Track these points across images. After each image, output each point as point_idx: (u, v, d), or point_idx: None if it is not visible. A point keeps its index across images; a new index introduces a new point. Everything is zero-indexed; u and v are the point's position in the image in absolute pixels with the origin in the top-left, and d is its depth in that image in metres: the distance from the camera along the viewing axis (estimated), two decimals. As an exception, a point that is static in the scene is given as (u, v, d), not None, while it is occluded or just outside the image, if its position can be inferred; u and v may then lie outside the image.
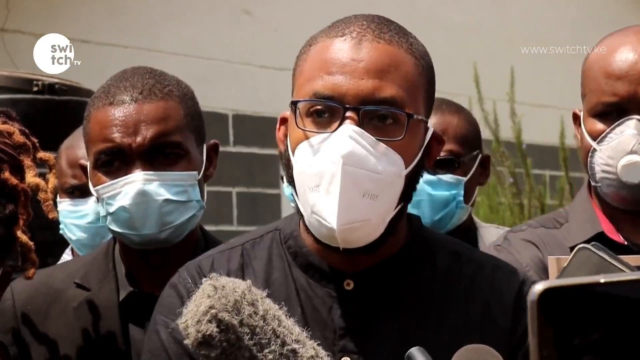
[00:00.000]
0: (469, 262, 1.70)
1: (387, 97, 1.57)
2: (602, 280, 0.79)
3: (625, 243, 2.09)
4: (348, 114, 1.55)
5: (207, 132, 2.15)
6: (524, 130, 6.40)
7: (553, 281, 0.80)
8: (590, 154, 2.07)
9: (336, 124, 1.56)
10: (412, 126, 1.58)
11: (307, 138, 1.58)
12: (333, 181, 1.53)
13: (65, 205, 2.57)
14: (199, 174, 2.05)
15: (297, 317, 1.61)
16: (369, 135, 1.55)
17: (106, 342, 2.03)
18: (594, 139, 2.06)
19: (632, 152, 2.01)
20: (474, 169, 2.69)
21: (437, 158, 2.57)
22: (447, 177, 2.61)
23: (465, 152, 2.65)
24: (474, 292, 1.66)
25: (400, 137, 1.57)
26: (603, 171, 2.05)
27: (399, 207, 1.61)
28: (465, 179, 2.65)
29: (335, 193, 1.53)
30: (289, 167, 1.62)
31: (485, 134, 6.39)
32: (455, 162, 2.63)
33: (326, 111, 1.58)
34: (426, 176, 2.55)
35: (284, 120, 1.68)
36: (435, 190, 2.59)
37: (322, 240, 1.59)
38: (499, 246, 2.16)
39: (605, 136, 2.04)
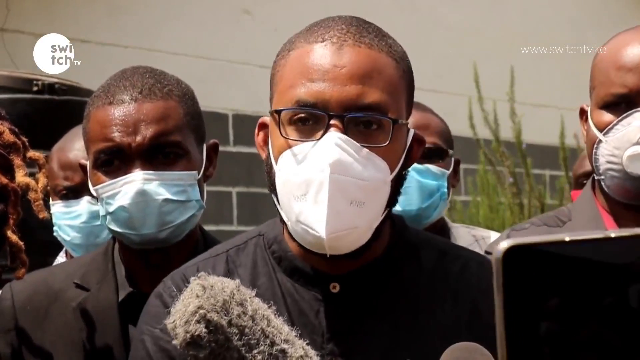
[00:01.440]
0: (455, 260, 1.69)
1: (371, 103, 1.55)
2: (567, 239, 0.80)
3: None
4: (333, 121, 1.54)
5: (207, 132, 2.15)
6: (524, 130, 6.41)
7: (518, 239, 0.80)
8: (595, 146, 2.07)
9: (320, 132, 1.54)
10: (396, 131, 1.57)
11: (290, 146, 1.56)
12: (321, 190, 1.52)
13: (58, 207, 2.56)
14: (198, 174, 2.05)
15: (284, 321, 1.60)
16: (355, 142, 1.54)
17: (105, 342, 2.02)
18: (601, 130, 2.06)
19: (638, 143, 2.01)
20: (451, 167, 2.75)
21: (425, 148, 2.63)
22: (434, 168, 2.66)
23: (445, 147, 2.72)
24: (462, 290, 1.66)
25: (386, 143, 1.56)
26: (608, 162, 2.05)
27: (385, 212, 1.60)
28: (448, 172, 2.71)
29: (323, 202, 1.51)
30: (270, 175, 1.61)
31: (485, 134, 6.41)
32: (442, 153, 2.69)
33: (310, 119, 1.56)
34: (415, 165, 2.60)
35: (263, 126, 1.66)
36: (424, 178, 2.65)
37: (308, 247, 1.58)
38: (499, 245, 2.16)
39: (611, 128, 2.04)
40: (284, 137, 1.57)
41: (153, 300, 1.69)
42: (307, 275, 1.64)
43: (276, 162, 1.59)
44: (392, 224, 1.70)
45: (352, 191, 1.53)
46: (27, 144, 1.89)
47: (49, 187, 2.60)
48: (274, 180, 1.59)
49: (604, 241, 0.80)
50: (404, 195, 2.59)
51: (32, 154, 1.91)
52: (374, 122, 1.56)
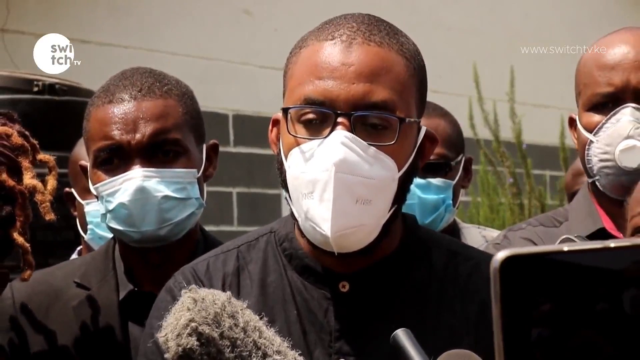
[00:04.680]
0: (466, 261, 1.69)
1: (378, 101, 1.56)
2: (565, 249, 0.80)
3: (627, 240, 2.09)
4: (339, 119, 1.54)
5: (207, 133, 2.15)
6: (524, 130, 6.41)
7: (516, 249, 0.81)
8: (587, 148, 2.07)
9: (328, 130, 1.55)
10: (404, 129, 1.58)
11: (299, 144, 1.57)
12: (326, 189, 1.52)
13: (94, 205, 2.54)
14: (198, 172, 2.06)
15: (293, 319, 1.61)
16: (361, 140, 1.54)
17: (106, 341, 2.03)
18: (590, 131, 2.06)
19: (629, 137, 2.01)
20: (459, 173, 2.71)
21: (428, 162, 2.60)
22: (437, 181, 2.63)
23: (453, 155, 2.68)
24: (471, 291, 1.65)
25: (393, 142, 1.56)
26: (600, 160, 2.05)
27: (393, 209, 1.60)
28: (453, 182, 2.67)
29: (328, 201, 1.52)
30: (281, 172, 1.62)
31: (485, 134, 6.41)
32: (446, 167, 2.64)
33: (318, 117, 1.57)
34: (416, 180, 2.58)
35: (277, 122, 1.67)
36: (426, 193, 2.61)
37: (317, 245, 1.59)
38: (498, 244, 2.16)
39: (601, 127, 2.05)
40: (292, 135, 1.57)
41: (163, 295, 1.69)
42: (317, 274, 1.64)
43: (286, 159, 1.59)
44: (404, 223, 1.70)
45: (357, 190, 1.54)
46: (37, 146, 1.90)
47: (72, 188, 2.62)
48: (285, 177, 1.60)
49: (603, 251, 0.80)
50: (406, 211, 2.57)
51: (42, 156, 1.91)
52: (381, 123, 1.57)
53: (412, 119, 1.61)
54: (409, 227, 1.70)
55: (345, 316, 1.62)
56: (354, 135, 1.54)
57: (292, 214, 1.62)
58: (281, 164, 1.62)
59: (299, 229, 1.62)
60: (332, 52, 1.58)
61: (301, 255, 1.66)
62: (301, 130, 1.58)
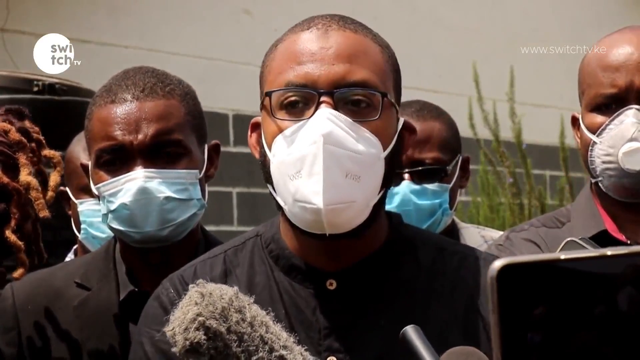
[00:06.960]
0: (453, 255, 1.70)
1: (359, 80, 1.58)
2: (562, 257, 0.80)
3: (629, 242, 2.09)
4: (323, 98, 1.56)
5: (207, 133, 2.15)
6: (524, 130, 6.40)
7: (513, 258, 0.81)
8: (590, 149, 2.07)
9: (311, 111, 1.57)
10: (386, 107, 1.60)
11: (282, 130, 1.58)
12: (315, 162, 1.53)
13: (88, 205, 2.54)
14: (200, 173, 2.06)
15: (281, 318, 1.61)
16: (346, 117, 1.56)
17: (106, 341, 2.03)
18: (593, 132, 2.06)
19: (632, 139, 2.01)
20: (456, 174, 2.69)
21: (424, 168, 2.58)
22: (433, 186, 2.60)
23: (449, 158, 2.65)
24: (459, 284, 1.67)
25: (377, 117, 1.58)
26: (604, 162, 2.05)
27: (381, 193, 1.61)
28: (450, 185, 2.65)
29: (318, 174, 1.53)
30: (265, 165, 1.62)
31: (485, 134, 6.41)
32: (442, 172, 2.62)
33: (300, 100, 1.58)
34: (412, 186, 2.56)
35: (256, 127, 1.68)
36: (422, 199, 2.59)
37: (307, 229, 1.59)
38: (500, 245, 2.16)
39: (604, 128, 2.04)
40: (275, 117, 1.58)
41: (151, 302, 1.70)
42: (304, 273, 1.65)
43: (270, 150, 1.60)
44: (389, 221, 1.71)
45: (346, 163, 1.54)
46: (42, 142, 1.89)
47: (67, 187, 2.61)
48: (269, 168, 1.61)
49: (600, 259, 0.80)
50: (402, 218, 2.56)
51: (47, 152, 1.91)
52: (363, 101, 1.59)
53: (392, 100, 1.63)
54: (394, 225, 1.72)
55: (333, 313, 1.63)
56: (339, 113, 1.56)
57: (277, 205, 1.63)
58: (265, 157, 1.62)
59: (286, 221, 1.62)
60: (310, 38, 1.61)
61: (288, 255, 1.66)
62: (284, 116, 1.59)
